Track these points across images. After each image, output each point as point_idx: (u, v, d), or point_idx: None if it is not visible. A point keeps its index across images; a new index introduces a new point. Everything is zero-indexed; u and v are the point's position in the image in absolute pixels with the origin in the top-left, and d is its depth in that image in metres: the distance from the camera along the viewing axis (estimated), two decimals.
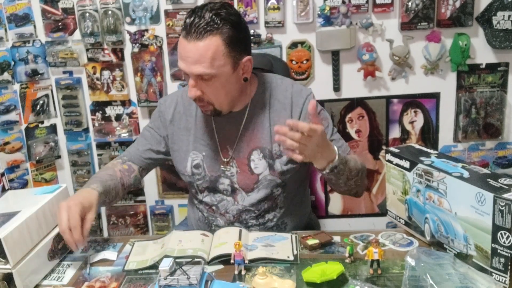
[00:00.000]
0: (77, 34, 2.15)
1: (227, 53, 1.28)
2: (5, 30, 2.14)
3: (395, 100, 2.16)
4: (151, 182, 2.29)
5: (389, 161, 1.35)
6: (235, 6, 2.05)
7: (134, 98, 2.21)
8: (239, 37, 1.30)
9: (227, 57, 1.29)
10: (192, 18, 1.26)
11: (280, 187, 1.47)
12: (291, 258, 1.23)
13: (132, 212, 2.36)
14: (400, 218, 1.36)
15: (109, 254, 1.32)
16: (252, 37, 2.05)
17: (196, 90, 1.32)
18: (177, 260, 1.03)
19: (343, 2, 2.00)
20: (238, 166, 1.45)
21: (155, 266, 1.21)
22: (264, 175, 1.44)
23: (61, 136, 2.30)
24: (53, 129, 2.30)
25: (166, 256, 1.20)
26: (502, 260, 1.03)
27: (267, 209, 1.48)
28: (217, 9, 1.28)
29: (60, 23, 2.14)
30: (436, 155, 1.27)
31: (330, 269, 1.09)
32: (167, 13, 2.10)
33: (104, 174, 1.45)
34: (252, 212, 1.47)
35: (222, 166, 1.46)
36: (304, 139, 1.17)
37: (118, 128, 2.25)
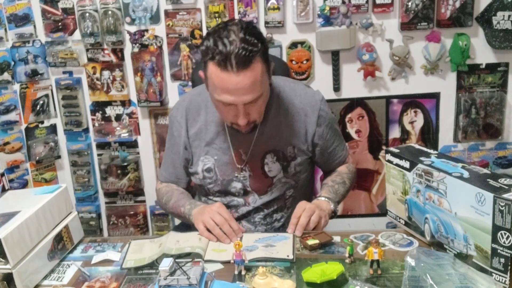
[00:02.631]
0: (77, 34, 2.15)
1: (266, 69, 1.27)
2: (5, 30, 2.14)
3: (395, 100, 2.16)
4: (151, 183, 2.29)
5: (389, 161, 1.35)
6: (235, 6, 2.06)
7: (134, 98, 2.21)
8: (267, 48, 1.28)
9: (267, 73, 1.28)
10: (226, 47, 1.18)
11: (292, 188, 1.48)
12: (291, 257, 1.23)
13: (132, 212, 2.36)
14: (400, 218, 1.36)
15: (112, 254, 1.32)
16: None
17: (247, 116, 1.29)
18: (177, 260, 1.03)
19: (343, 2, 2.00)
20: (251, 170, 1.45)
21: (155, 266, 1.21)
22: (279, 178, 1.45)
23: (61, 136, 2.30)
24: (53, 129, 2.30)
25: (165, 254, 1.21)
26: (502, 260, 1.03)
27: (276, 209, 1.50)
28: (245, 28, 1.21)
29: (60, 23, 2.14)
30: (436, 155, 1.27)
31: (330, 269, 1.09)
32: (167, 13, 2.10)
33: (180, 193, 1.53)
34: (261, 211, 1.49)
35: (235, 171, 1.46)
36: (305, 217, 1.31)
37: (118, 128, 2.25)
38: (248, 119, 1.30)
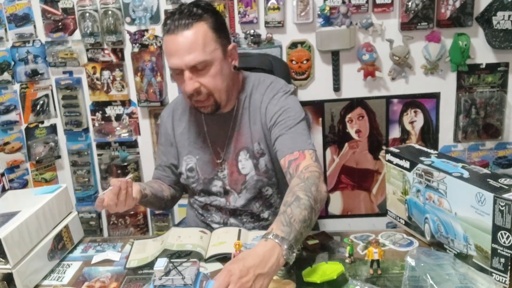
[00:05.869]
0: (77, 34, 2.15)
1: (216, 38, 1.30)
2: (5, 30, 2.14)
3: (395, 100, 2.16)
4: None
5: (389, 161, 1.35)
6: (235, 6, 2.06)
7: (134, 98, 2.21)
8: (222, 23, 1.35)
9: (216, 42, 1.31)
10: (173, 15, 1.30)
11: (269, 186, 1.46)
12: None
13: (132, 212, 2.35)
14: (400, 218, 1.36)
15: (112, 254, 1.32)
16: (252, 37, 2.06)
17: (193, 82, 1.30)
18: (172, 260, 1.03)
19: (343, 2, 2.00)
20: (228, 167, 1.46)
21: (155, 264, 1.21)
22: (251, 176, 1.44)
23: (61, 136, 2.30)
24: (53, 129, 2.30)
25: (166, 250, 1.21)
26: (502, 260, 1.03)
27: (261, 209, 1.48)
28: (195, 2, 1.32)
29: (60, 23, 2.14)
30: (436, 155, 1.27)
31: (330, 269, 1.09)
32: (167, 13, 2.10)
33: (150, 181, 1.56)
34: (246, 211, 1.48)
35: (215, 168, 1.47)
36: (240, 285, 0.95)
37: (118, 128, 2.25)
38: (196, 87, 1.30)
